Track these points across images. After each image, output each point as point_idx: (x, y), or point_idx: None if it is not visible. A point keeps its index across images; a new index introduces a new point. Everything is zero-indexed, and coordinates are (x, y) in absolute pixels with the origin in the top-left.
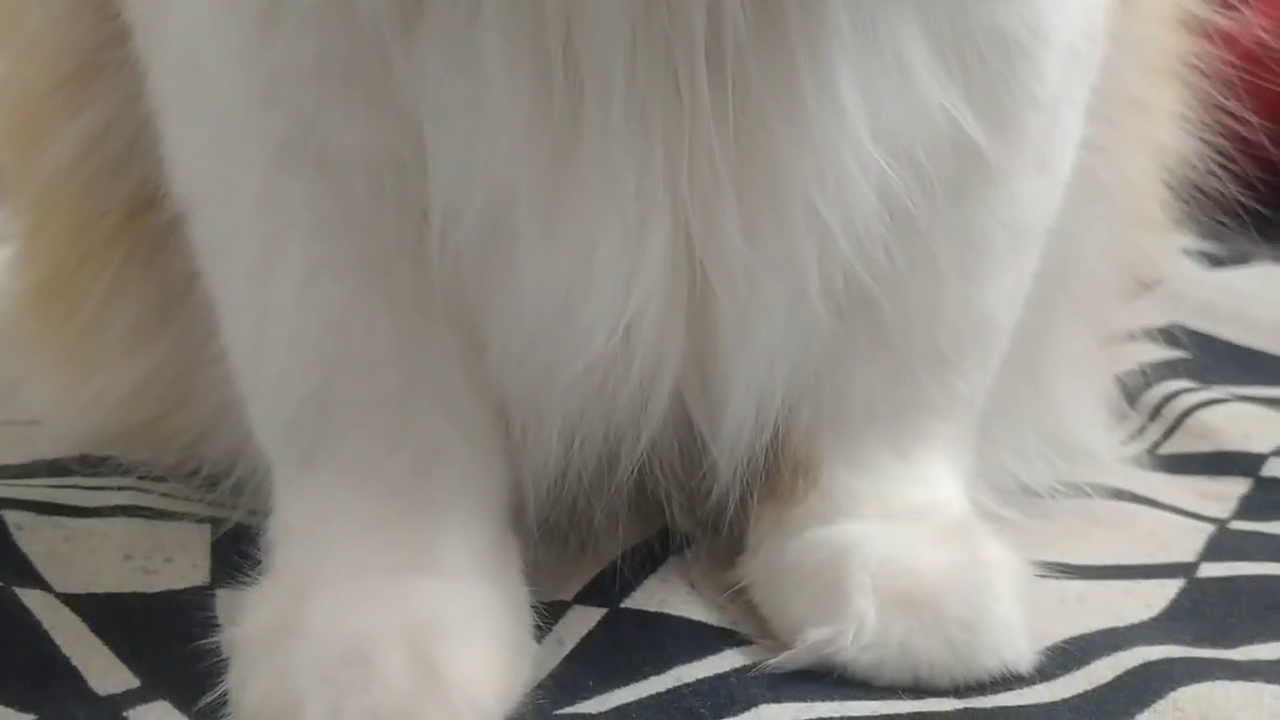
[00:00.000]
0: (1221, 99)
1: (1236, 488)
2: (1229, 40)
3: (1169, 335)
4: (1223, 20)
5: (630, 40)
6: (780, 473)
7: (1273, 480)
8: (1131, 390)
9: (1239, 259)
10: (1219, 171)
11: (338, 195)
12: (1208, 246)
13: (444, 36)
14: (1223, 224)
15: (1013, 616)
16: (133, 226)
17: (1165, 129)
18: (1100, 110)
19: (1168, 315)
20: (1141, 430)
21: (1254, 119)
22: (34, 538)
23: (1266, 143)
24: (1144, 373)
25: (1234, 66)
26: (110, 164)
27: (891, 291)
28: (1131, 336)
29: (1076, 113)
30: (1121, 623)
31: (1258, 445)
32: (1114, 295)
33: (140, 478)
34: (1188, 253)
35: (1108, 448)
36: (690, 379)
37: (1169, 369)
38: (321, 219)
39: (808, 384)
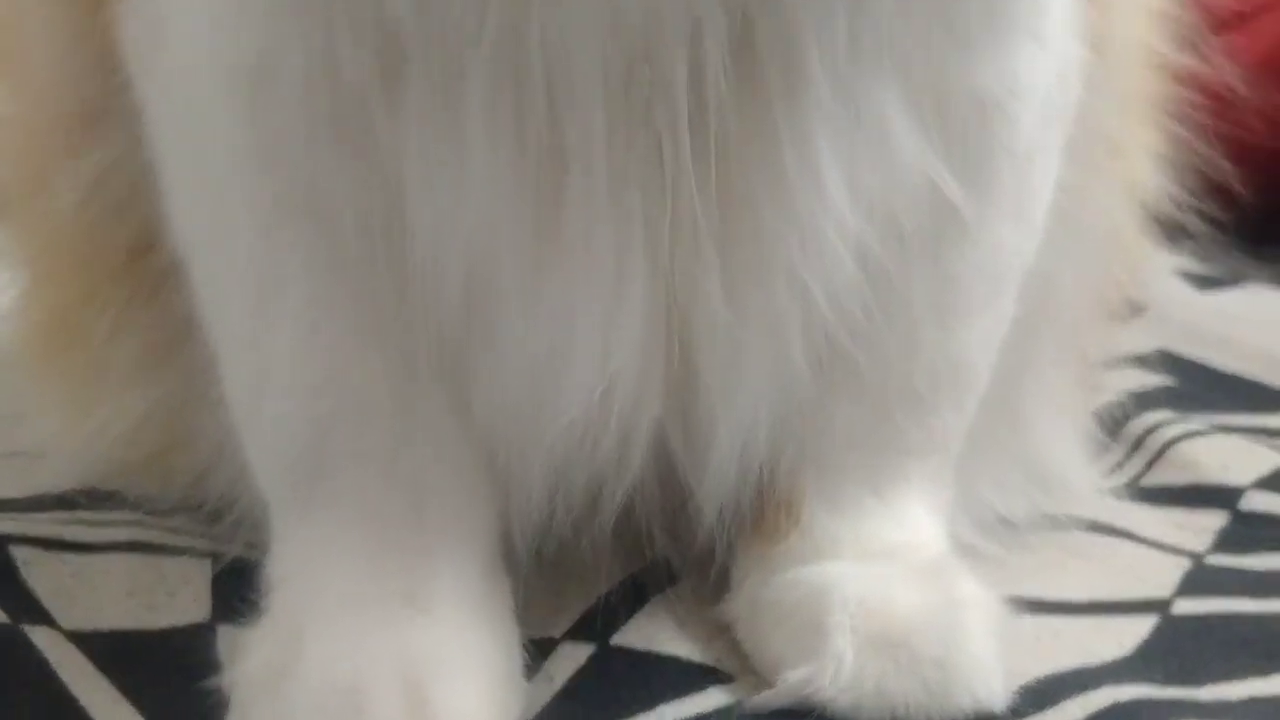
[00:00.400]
0: (1194, 142)
1: (1214, 520)
2: (1201, 86)
3: (1154, 361)
4: (1195, 65)
5: (611, 107)
6: (764, 511)
7: (1250, 514)
8: (1114, 421)
9: (1231, 280)
10: (1192, 211)
11: (331, 248)
12: (1199, 267)
13: (426, 103)
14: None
15: (986, 656)
16: (135, 267)
17: (1141, 169)
18: (1076, 153)
19: (1155, 339)
20: (1122, 463)
21: (1226, 164)
22: (41, 574)
23: (1236, 185)
24: (1125, 403)
25: (1205, 111)
26: (113, 207)
27: (869, 344)
28: (1116, 363)
29: (1052, 159)
30: (1094, 661)
31: (1236, 478)
32: (1091, 330)
33: (145, 512)
34: (1178, 274)
35: (1087, 480)
36: (674, 429)
37: (1153, 397)
38: (315, 270)
39: (790, 426)
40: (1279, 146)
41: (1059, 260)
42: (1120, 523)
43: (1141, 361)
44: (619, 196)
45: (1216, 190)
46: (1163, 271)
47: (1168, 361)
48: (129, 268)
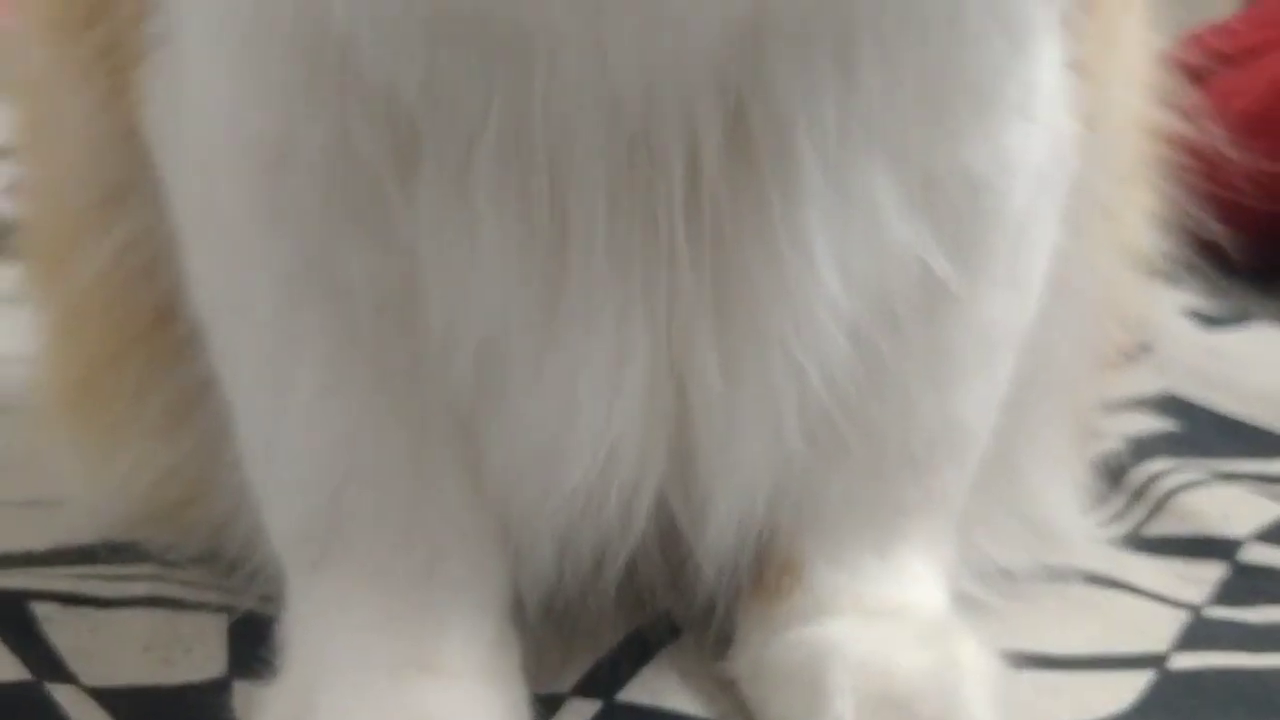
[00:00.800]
0: (1186, 204)
1: (1214, 572)
2: (1192, 150)
3: (1158, 404)
4: (1186, 131)
5: (612, 188)
6: (766, 569)
7: (1249, 566)
8: (1116, 469)
9: (1237, 318)
10: (1185, 268)
11: (346, 320)
12: (1205, 305)
13: (439, 183)
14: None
15: (985, 719)
16: (159, 331)
17: (1135, 231)
18: (1071, 220)
19: (1160, 381)
20: (1124, 512)
21: (1218, 226)
22: (61, 630)
23: (1228, 245)
24: (1128, 450)
25: (1196, 174)
26: (138, 275)
27: (863, 415)
28: (1119, 407)
29: (1048, 229)
30: (1091, 718)
31: (1236, 529)
32: (1086, 384)
33: (162, 565)
34: (1183, 312)
35: (1083, 532)
36: (675, 494)
37: (1155, 443)
38: (331, 341)
39: (789, 490)
40: (1268, 208)
41: (1054, 321)
42: (1120, 574)
43: (1145, 404)
44: (620, 272)
45: (1209, 249)
46: (1168, 310)
47: (1171, 404)
48: (153, 332)
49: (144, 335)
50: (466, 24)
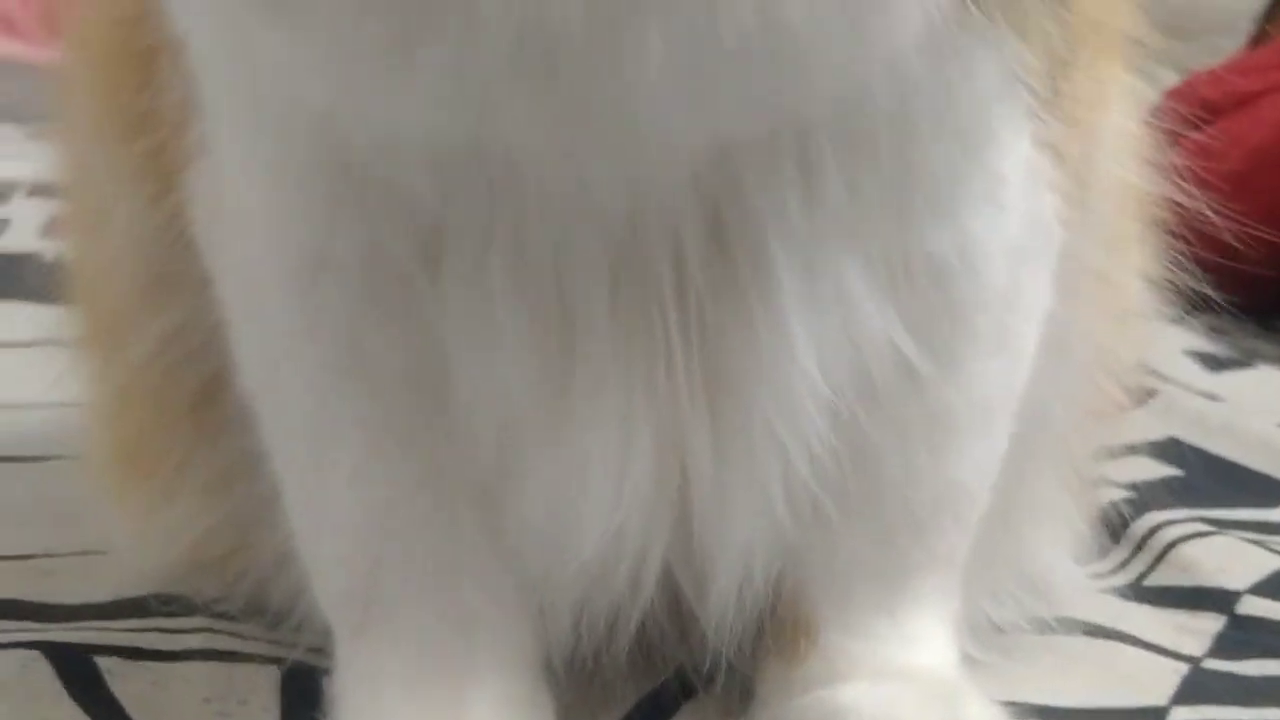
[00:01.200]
0: (1177, 265)
1: (1212, 624)
2: (1180, 214)
3: (1161, 449)
4: (1175, 194)
5: (610, 287)
6: (781, 632)
7: (1246, 618)
8: (1118, 520)
9: (1243, 360)
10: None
11: (380, 405)
12: (1211, 346)
13: (461, 279)
14: None
15: None
16: (201, 411)
17: (1128, 295)
18: (1063, 287)
19: (1163, 425)
20: (1127, 562)
21: (1212, 291)
22: (125, 683)
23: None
24: (1131, 499)
25: (1184, 237)
26: (182, 359)
27: (851, 487)
28: (1122, 453)
29: (1037, 297)
30: None
31: (1233, 581)
32: (1082, 439)
33: (211, 616)
34: (1189, 354)
35: (1082, 584)
36: (679, 565)
37: (1158, 490)
38: (366, 425)
39: (791, 561)
40: (1260, 271)
41: (1048, 380)
42: (1123, 626)
43: (1148, 449)
44: (622, 360)
45: (1205, 303)
46: (1172, 353)
47: (1174, 450)
48: (196, 411)
49: (188, 414)
50: (463, 154)
